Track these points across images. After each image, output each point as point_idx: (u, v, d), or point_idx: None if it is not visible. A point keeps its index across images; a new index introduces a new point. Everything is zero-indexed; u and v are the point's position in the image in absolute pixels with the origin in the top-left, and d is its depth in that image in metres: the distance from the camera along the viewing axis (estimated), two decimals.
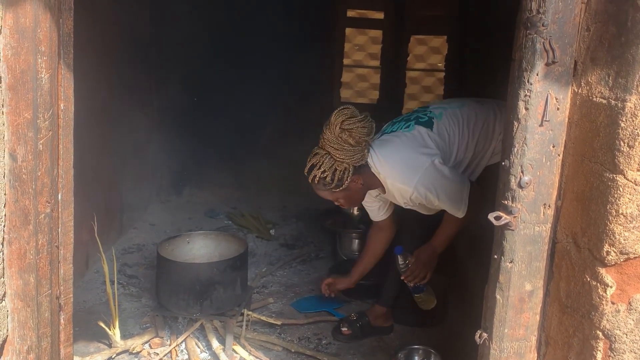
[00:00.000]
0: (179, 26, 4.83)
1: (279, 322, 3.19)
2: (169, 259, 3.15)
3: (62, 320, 1.67)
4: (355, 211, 4.16)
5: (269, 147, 5.32)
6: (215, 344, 2.91)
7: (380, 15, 5.49)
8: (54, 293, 1.59)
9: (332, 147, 2.52)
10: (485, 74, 3.97)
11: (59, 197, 1.56)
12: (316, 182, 2.61)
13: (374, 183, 2.69)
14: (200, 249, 3.47)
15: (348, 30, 5.71)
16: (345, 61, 5.85)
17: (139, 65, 4.45)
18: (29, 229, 1.49)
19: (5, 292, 1.50)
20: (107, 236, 3.89)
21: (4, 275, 1.49)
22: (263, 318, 3.20)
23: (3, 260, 1.48)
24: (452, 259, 3.33)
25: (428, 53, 6.95)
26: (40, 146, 1.47)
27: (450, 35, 5.41)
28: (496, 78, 3.40)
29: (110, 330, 2.89)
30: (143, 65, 4.53)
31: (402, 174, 2.60)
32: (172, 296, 3.09)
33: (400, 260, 2.94)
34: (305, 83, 5.17)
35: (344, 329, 3.13)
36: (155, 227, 4.68)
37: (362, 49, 7.25)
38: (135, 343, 2.92)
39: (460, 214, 2.64)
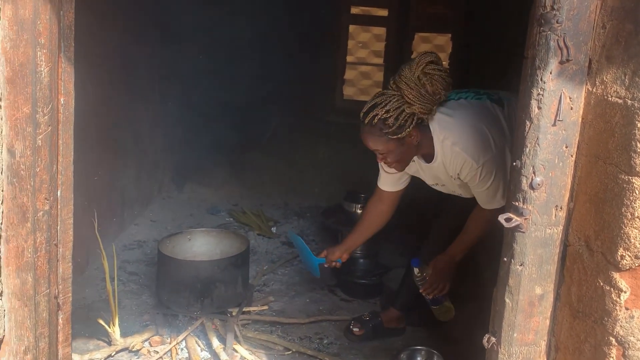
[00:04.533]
0: (181, 22, 4.80)
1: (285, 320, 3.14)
2: (170, 256, 3.12)
3: (60, 320, 1.63)
4: (358, 210, 4.14)
5: (271, 144, 5.29)
6: (215, 342, 2.88)
7: (384, 13, 5.45)
8: (52, 292, 1.55)
9: (408, 85, 2.32)
10: (490, 72, 3.94)
11: (59, 194, 1.53)
12: (374, 122, 2.37)
13: (425, 147, 2.50)
14: (201, 246, 3.44)
15: (352, 28, 5.67)
16: (349, 58, 5.81)
17: (142, 61, 4.42)
18: (27, 227, 1.45)
19: (2, 291, 1.47)
20: (108, 232, 3.86)
21: (1, 274, 1.46)
22: (264, 318, 3.17)
23: (0, 258, 1.44)
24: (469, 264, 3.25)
25: (432, 51, 6.91)
26: (39, 141, 1.44)
27: (455, 33, 5.37)
28: (501, 77, 3.37)
29: (109, 327, 2.86)
30: (146, 61, 4.50)
31: (474, 145, 2.42)
32: (172, 294, 3.07)
33: (416, 272, 2.87)
34: (308, 80, 5.13)
35: (355, 329, 3.09)
36: (156, 223, 4.65)
37: (365, 46, 7.23)
38: (135, 341, 2.90)
39: (492, 206, 2.53)
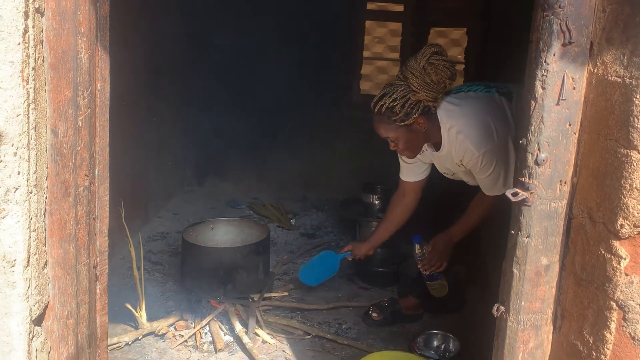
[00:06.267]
0: (203, 19, 4.92)
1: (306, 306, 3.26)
2: (194, 243, 3.22)
3: (98, 290, 1.76)
4: (375, 201, 4.22)
5: (290, 138, 5.38)
6: (238, 327, 2.97)
7: (400, 8, 5.53)
8: (92, 263, 1.68)
9: (413, 74, 2.48)
10: (505, 66, 4.00)
11: (96, 173, 1.65)
12: (382, 111, 2.53)
13: (434, 135, 2.63)
14: (223, 235, 3.54)
15: (368, 23, 5.75)
16: (365, 54, 5.89)
17: (164, 58, 4.53)
18: (69, 201, 1.58)
19: (47, 260, 1.59)
20: (132, 224, 3.95)
21: (46, 244, 1.58)
22: (285, 304, 3.27)
23: (45, 230, 1.57)
24: (473, 247, 3.34)
25: (448, 45, 6.98)
26: (80, 122, 1.56)
27: (471, 27, 5.43)
28: (517, 70, 3.43)
29: (137, 312, 2.95)
30: (168, 58, 4.61)
31: (477, 134, 2.54)
32: (196, 280, 3.16)
33: (417, 248, 2.98)
34: (325, 75, 5.22)
35: (374, 314, 3.19)
36: (178, 216, 4.77)
37: (381, 41, 7.31)
38: (161, 325, 2.99)
39: (493, 193, 2.64)
